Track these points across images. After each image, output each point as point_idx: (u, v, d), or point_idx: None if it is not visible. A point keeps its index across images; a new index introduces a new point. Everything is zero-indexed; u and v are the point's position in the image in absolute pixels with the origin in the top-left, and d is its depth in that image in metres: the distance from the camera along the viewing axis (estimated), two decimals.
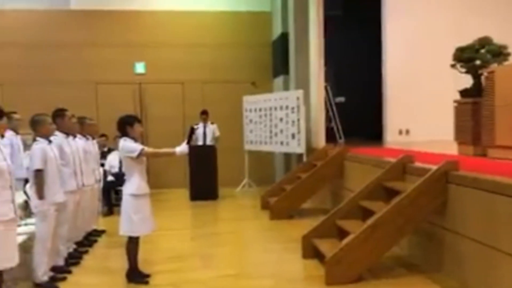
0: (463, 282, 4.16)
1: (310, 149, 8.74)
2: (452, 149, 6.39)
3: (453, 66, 6.41)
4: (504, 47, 6.09)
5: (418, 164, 5.12)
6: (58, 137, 5.04)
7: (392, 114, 9.84)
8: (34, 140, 4.60)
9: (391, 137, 9.78)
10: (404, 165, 5.21)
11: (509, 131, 5.27)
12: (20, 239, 4.31)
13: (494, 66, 5.96)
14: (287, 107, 9.06)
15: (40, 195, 4.41)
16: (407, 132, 9.73)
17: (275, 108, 9.42)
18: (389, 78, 9.92)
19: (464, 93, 6.25)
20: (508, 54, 6.05)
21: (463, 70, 6.32)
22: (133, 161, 4.43)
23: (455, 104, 6.40)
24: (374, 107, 10.32)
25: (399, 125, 9.78)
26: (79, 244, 5.68)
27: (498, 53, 6.02)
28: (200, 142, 9.44)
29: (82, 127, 6.05)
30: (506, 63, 6.04)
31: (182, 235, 6.81)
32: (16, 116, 6.52)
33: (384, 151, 7.51)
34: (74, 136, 5.57)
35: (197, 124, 9.03)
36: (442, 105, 7.61)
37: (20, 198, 5.05)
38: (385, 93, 9.99)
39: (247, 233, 6.87)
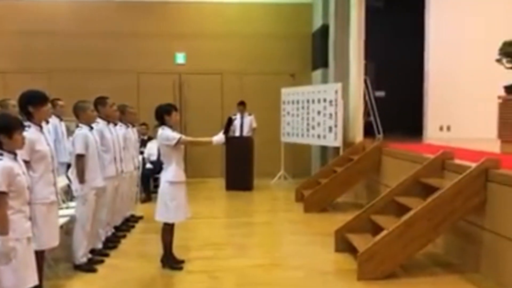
0: (501, 284, 4.04)
1: (347, 143, 8.66)
2: (494, 146, 6.18)
3: (498, 61, 6.19)
4: None
5: (457, 161, 5.00)
6: (99, 124, 5.20)
7: (434, 109, 9.61)
8: (77, 126, 4.77)
9: (432, 133, 9.55)
10: (443, 162, 5.09)
11: None
12: (62, 221, 4.49)
13: None
14: (325, 100, 8.99)
15: (81, 179, 4.58)
16: (448, 128, 9.48)
17: (313, 101, 9.36)
18: (432, 72, 9.68)
19: (509, 88, 6.02)
20: None
21: (509, 65, 6.10)
22: (171, 149, 4.53)
23: (500, 100, 6.18)
24: (415, 102, 10.09)
25: (440, 121, 9.54)
26: (117, 228, 5.86)
27: None
28: (237, 133, 9.51)
29: (123, 115, 6.22)
30: None
31: (216, 223, 6.91)
32: (60, 102, 6.78)
33: (423, 147, 7.35)
34: (115, 124, 5.74)
35: (234, 114, 9.12)
36: (485, 101, 7.37)
37: (62, 182, 5.26)
38: (426, 88, 9.76)
39: (281, 225, 6.90)
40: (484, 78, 7.95)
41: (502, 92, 6.16)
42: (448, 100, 9.27)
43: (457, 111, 9.19)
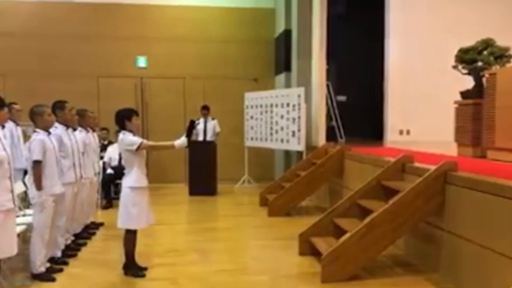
0: (459, 284, 4.16)
1: (310, 147, 8.74)
2: (452, 150, 6.39)
3: (455, 67, 6.41)
4: (507, 49, 6.09)
5: (417, 164, 5.12)
6: (57, 128, 5.05)
7: (393, 114, 9.81)
8: (34, 131, 4.61)
9: (392, 137, 9.75)
10: (403, 165, 5.20)
11: (509, 134, 5.27)
12: (19, 229, 4.32)
13: (496, 68, 5.96)
14: (288, 105, 9.05)
15: (38, 186, 4.42)
16: (408, 132, 9.71)
17: (276, 105, 9.41)
18: (391, 77, 9.88)
19: (465, 94, 6.25)
20: (510, 56, 6.05)
21: (465, 71, 6.32)
22: (133, 154, 4.45)
23: (456, 105, 6.40)
24: (376, 106, 10.30)
25: (400, 125, 9.76)
26: (77, 236, 5.70)
27: (500, 55, 6.01)
28: (201, 138, 9.45)
29: (83, 120, 6.07)
30: (508, 65, 6.04)
31: (180, 229, 6.82)
32: (16, 107, 6.54)
33: (384, 150, 7.50)
34: (74, 129, 5.58)
35: (197, 119, 9.06)
36: (443, 106, 7.58)
37: (19, 188, 5.06)
38: (386, 93, 9.96)
39: (245, 229, 6.88)
40: (443, 83, 8.18)
41: (458, 97, 6.38)
42: (408, 104, 9.50)
43: (416, 116, 9.43)
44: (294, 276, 4.76)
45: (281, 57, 10.63)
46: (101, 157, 8.01)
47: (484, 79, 5.99)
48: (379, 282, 4.40)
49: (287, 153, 10.16)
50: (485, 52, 6.14)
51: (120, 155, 7.22)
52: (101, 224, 6.61)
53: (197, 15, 10.86)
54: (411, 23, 9.65)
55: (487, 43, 6.14)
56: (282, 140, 9.27)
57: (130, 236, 4.56)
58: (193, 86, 10.85)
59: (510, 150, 5.24)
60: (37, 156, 4.43)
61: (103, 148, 8.47)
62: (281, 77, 10.70)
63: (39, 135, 4.52)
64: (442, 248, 4.46)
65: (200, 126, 9.35)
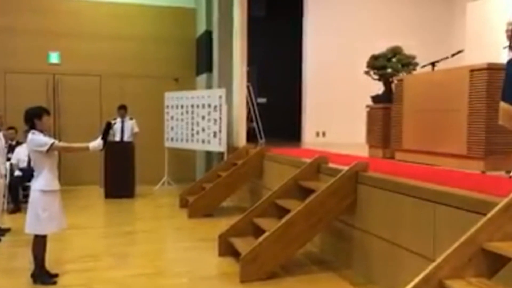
0: (370, 278, 4.39)
1: (231, 148, 8.79)
2: (364, 151, 6.73)
3: (366, 72, 6.77)
4: (413, 57, 6.54)
5: (331, 164, 5.34)
6: None
7: (311, 116, 10.18)
8: None
9: (309, 138, 10.10)
10: (319, 166, 5.40)
11: (414, 136, 5.66)
12: None
13: (403, 74, 6.37)
14: (209, 106, 9.04)
15: None
16: (324, 134, 10.11)
17: (198, 106, 9.36)
18: (308, 80, 10.24)
19: (375, 98, 6.62)
20: (416, 64, 6.50)
21: (376, 77, 6.69)
22: (43, 155, 4.22)
23: (367, 109, 6.75)
24: (294, 108, 10.60)
25: (317, 127, 10.13)
26: None
27: (407, 63, 6.44)
28: (118, 138, 9.14)
29: None
30: (414, 72, 6.49)
31: (95, 233, 6.56)
32: None
33: (301, 152, 7.73)
34: None
35: (114, 119, 8.77)
36: (356, 109, 7.98)
37: None
38: (304, 95, 10.29)
39: (164, 232, 6.78)
40: (356, 87, 8.60)
41: (370, 101, 6.74)
42: (323, 107, 9.88)
43: (332, 118, 9.84)
44: (213, 277, 4.77)
45: (203, 58, 10.59)
46: (9, 159, 7.52)
47: (393, 85, 6.39)
48: (296, 280, 4.52)
49: (208, 154, 10.14)
50: (393, 60, 6.55)
51: (29, 156, 6.80)
52: (8, 229, 6.19)
53: (114, 11, 10.51)
54: (327, 29, 10.07)
55: (395, 51, 6.56)
56: (203, 141, 9.24)
57: (39, 241, 4.32)
58: (110, 84, 10.48)
59: (416, 151, 5.63)
60: None
61: (11, 149, 7.95)
62: (203, 78, 10.66)
63: None
64: (354, 245, 4.69)
65: (117, 126, 9.04)
